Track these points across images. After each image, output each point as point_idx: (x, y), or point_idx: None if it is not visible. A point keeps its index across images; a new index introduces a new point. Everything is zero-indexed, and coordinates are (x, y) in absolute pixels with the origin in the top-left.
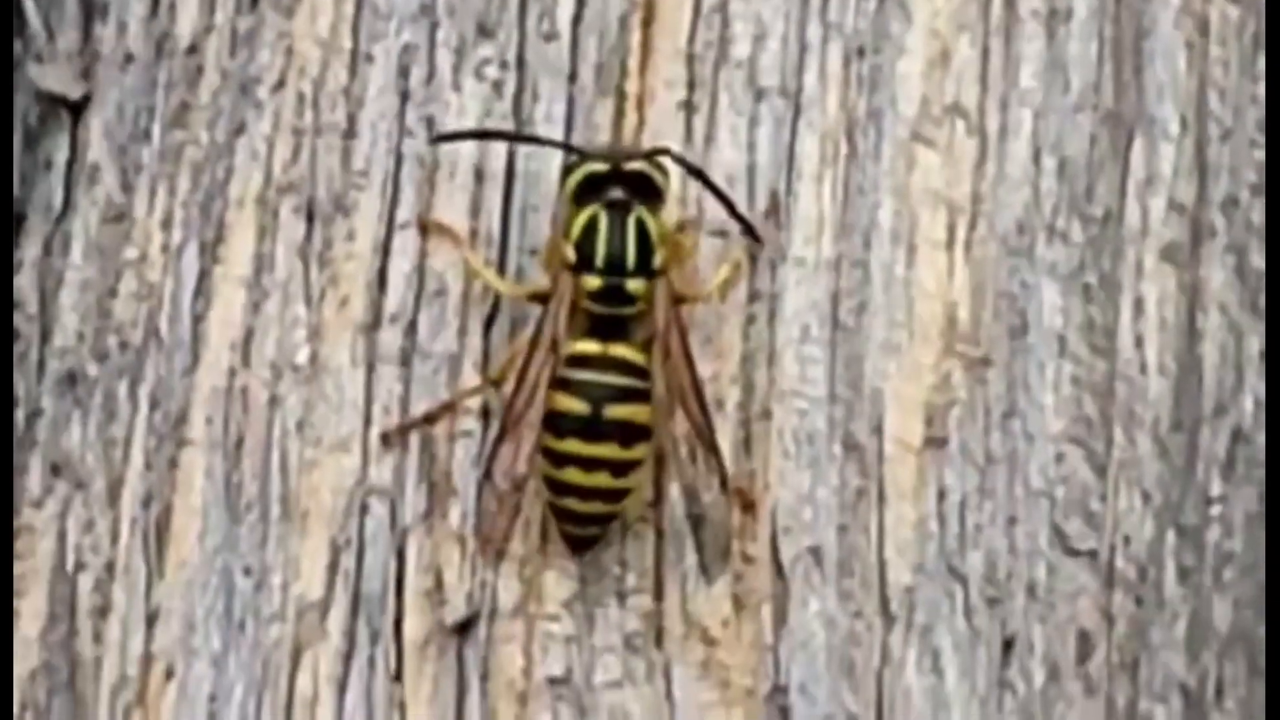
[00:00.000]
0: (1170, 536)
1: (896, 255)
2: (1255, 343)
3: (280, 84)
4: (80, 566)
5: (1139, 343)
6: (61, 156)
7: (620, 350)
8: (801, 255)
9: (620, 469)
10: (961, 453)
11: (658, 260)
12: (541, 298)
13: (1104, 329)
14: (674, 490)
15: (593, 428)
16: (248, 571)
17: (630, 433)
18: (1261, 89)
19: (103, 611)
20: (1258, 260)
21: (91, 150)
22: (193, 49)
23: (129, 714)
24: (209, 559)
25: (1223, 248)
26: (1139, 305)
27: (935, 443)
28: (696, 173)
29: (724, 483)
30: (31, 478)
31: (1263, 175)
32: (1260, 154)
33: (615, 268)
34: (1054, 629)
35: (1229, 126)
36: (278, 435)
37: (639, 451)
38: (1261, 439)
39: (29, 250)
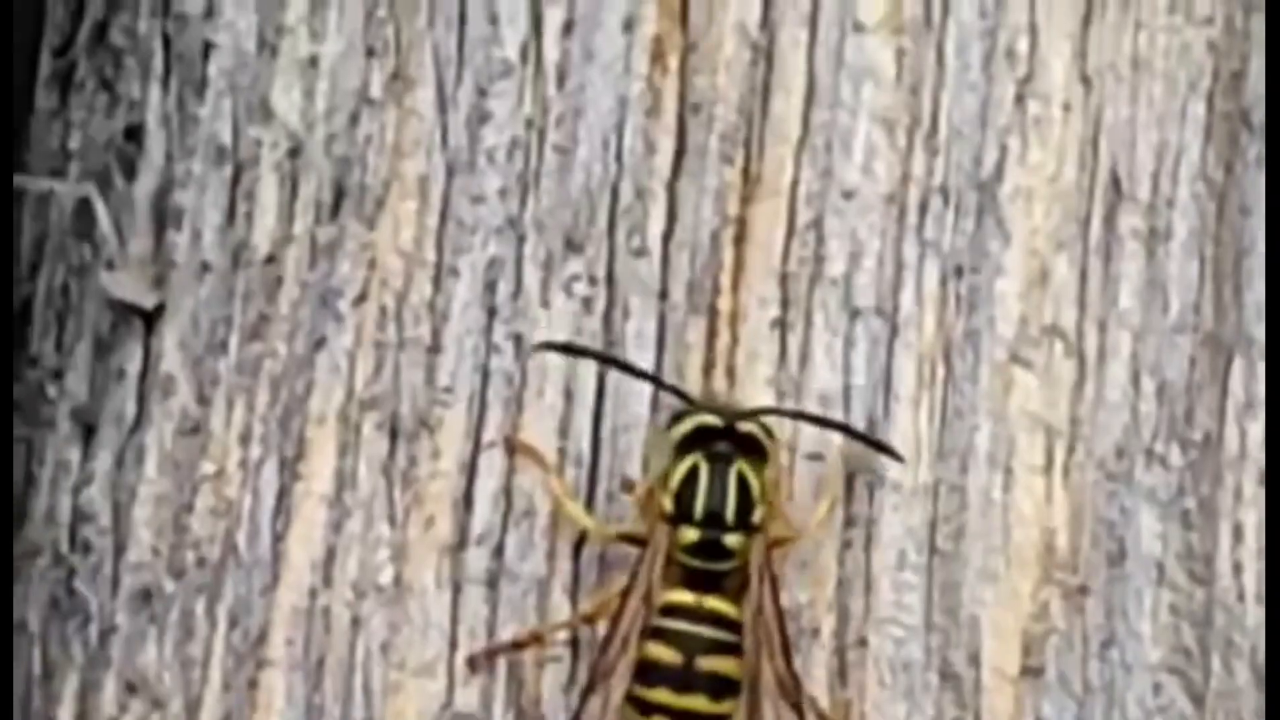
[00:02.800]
0: None
1: (994, 480)
2: None
3: (362, 297)
4: None
5: (1237, 570)
6: (134, 367)
7: (714, 603)
8: (898, 480)
9: None
10: (1059, 682)
11: (757, 516)
12: (630, 539)
13: (1203, 556)
14: None
15: (684, 678)
16: None
17: (721, 686)
18: None
19: None
20: None
21: (165, 361)
22: (271, 259)
23: None
24: None
25: None
26: (1238, 532)
27: (1032, 672)
28: (808, 418)
29: None
30: (106, 695)
31: None
32: None
33: (714, 522)
34: None
35: None
36: (360, 657)
37: (727, 706)
38: None
39: (101, 461)
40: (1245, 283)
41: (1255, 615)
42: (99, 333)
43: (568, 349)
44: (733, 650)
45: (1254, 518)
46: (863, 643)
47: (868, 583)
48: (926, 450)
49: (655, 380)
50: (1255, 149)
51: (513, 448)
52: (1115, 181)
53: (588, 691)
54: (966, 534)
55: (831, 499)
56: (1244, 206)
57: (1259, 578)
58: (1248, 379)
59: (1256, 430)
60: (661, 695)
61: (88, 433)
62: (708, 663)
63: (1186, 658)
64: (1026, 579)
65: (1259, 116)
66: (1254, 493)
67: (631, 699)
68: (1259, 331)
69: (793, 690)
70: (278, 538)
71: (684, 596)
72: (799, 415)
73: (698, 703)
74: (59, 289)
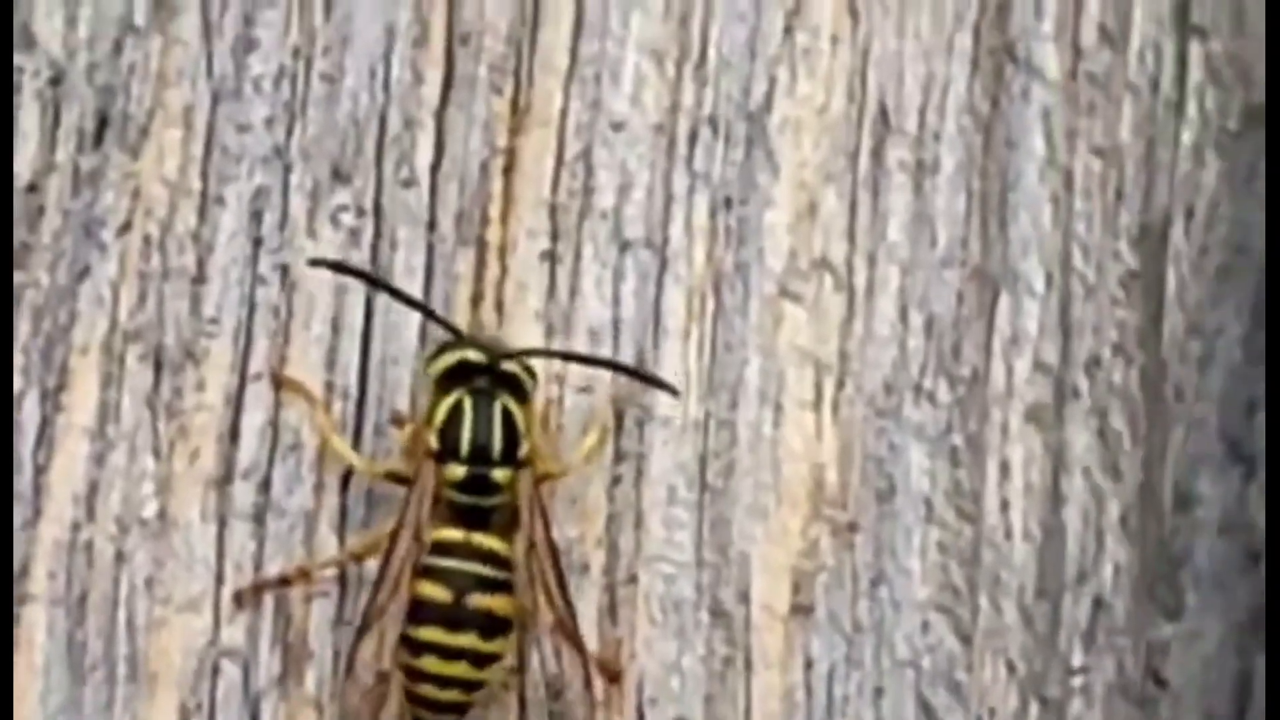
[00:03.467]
0: (1034, 708)
1: (764, 415)
2: (1115, 508)
3: (126, 226)
4: None
5: (1004, 507)
6: None
7: (484, 539)
8: (668, 415)
9: (479, 660)
10: (829, 620)
11: (523, 450)
12: (397, 477)
13: (970, 493)
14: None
15: (454, 616)
16: None
17: (491, 624)
18: (1123, 244)
19: None
20: (1118, 423)
21: None
22: (33, 188)
23: None
24: None
25: (1085, 410)
26: (1005, 468)
27: (802, 610)
28: (576, 358)
29: (588, 680)
30: None
31: (1124, 334)
32: (1122, 312)
33: (481, 457)
34: None
35: (1092, 284)
36: (124, 593)
37: (498, 645)
38: (1121, 605)
39: None
40: (1010, 217)
41: (1022, 552)
42: None
43: (342, 268)
44: (503, 588)
45: (1020, 454)
46: (633, 580)
47: (638, 519)
48: (696, 385)
49: (426, 310)
50: (1020, 82)
51: (279, 382)
52: (883, 114)
53: (361, 633)
54: (736, 470)
55: (600, 430)
56: (1010, 140)
57: (1025, 515)
58: (1014, 314)
59: (1022, 366)
60: (431, 634)
61: None
62: (478, 600)
63: (955, 596)
64: (796, 516)
65: (1024, 50)
66: (1020, 428)
67: (403, 639)
68: (1024, 266)
69: (570, 625)
70: (39, 470)
71: (453, 533)
72: (566, 356)
73: (468, 641)
74: None
